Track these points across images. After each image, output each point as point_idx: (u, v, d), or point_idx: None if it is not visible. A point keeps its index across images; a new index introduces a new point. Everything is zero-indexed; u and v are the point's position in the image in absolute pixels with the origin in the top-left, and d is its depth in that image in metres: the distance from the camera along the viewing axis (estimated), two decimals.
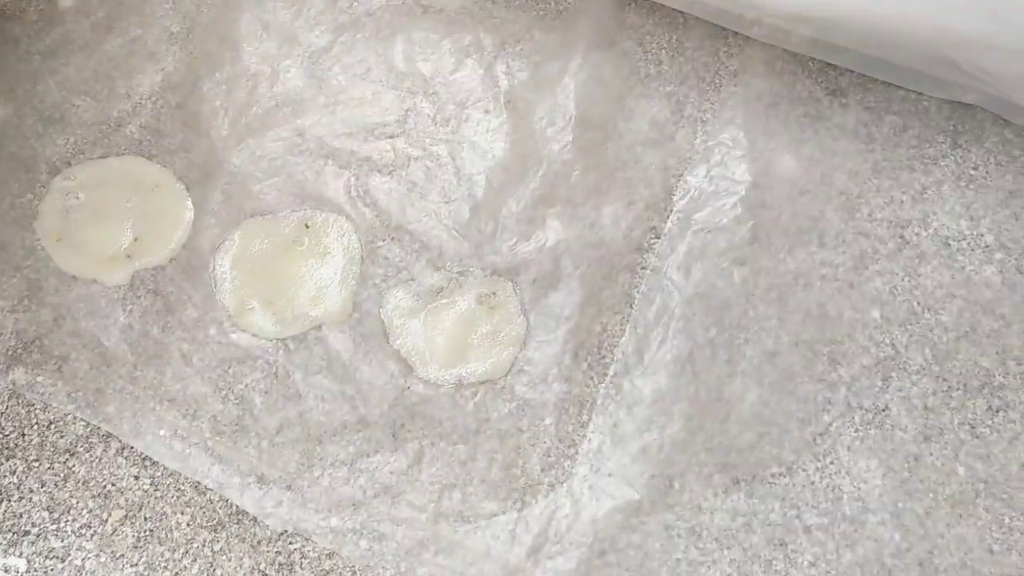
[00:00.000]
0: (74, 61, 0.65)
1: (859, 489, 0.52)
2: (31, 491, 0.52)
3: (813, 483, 0.52)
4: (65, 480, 0.52)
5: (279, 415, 0.54)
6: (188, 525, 0.51)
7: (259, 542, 0.51)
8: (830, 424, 0.54)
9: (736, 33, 0.67)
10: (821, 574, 0.50)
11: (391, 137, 0.63)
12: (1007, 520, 0.51)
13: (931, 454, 0.53)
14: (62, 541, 0.51)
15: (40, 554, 0.50)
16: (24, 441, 0.53)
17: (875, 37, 0.63)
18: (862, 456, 0.53)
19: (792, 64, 0.66)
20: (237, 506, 0.52)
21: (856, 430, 0.53)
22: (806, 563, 0.50)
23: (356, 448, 0.53)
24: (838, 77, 0.65)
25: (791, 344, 0.56)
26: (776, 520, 0.51)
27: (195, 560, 0.50)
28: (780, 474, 0.52)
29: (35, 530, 0.51)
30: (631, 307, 0.57)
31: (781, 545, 0.51)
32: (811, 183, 0.61)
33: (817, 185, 0.61)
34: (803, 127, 0.63)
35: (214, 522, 0.51)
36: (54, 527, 0.51)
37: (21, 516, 0.51)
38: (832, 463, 0.53)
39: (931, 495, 0.51)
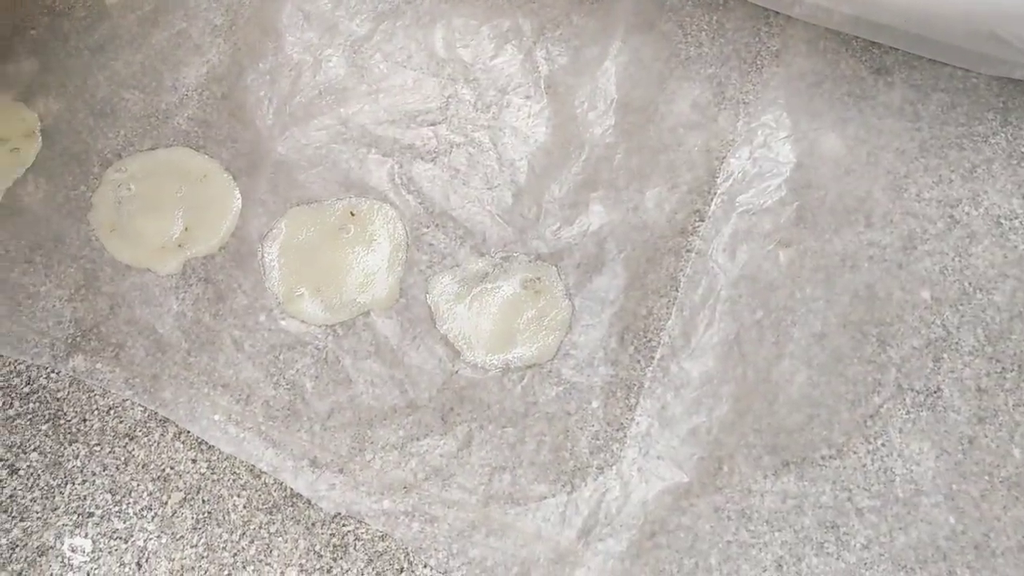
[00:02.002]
0: (122, 55, 0.67)
1: (912, 471, 0.51)
2: (94, 474, 0.53)
3: (864, 465, 0.52)
4: (126, 464, 0.54)
5: (330, 400, 0.55)
6: (244, 507, 0.52)
7: (313, 524, 0.52)
8: (881, 406, 0.53)
9: (777, 13, 0.66)
10: (874, 556, 0.50)
11: (433, 124, 0.64)
12: None
13: (986, 436, 0.52)
14: (124, 522, 0.52)
15: (104, 535, 0.52)
16: (86, 426, 0.55)
17: (920, 14, 0.62)
18: (914, 438, 0.52)
19: (835, 43, 0.65)
20: (291, 489, 0.53)
21: (907, 412, 0.53)
22: (858, 545, 0.50)
23: (406, 432, 0.54)
24: (883, 55, 0.64)
25: (839, 325, 0.56)
26: (827, 502, 0.51)
27: (252, 541, 0.51)
28: (830, 456, 0.52)
29: (99, 512, 0.52)
30: (677, 290, 0.57)
31: (833, 527, 0.50)
32: (857, 163, 0.60)
33: (863, 165, 0.60)
34: (847, 106, 0.62)
35: (269, 504, 0.52)
36: (116, 509, 0.52)
37: (85, 498, 0.53)
38: (883, 445, 0.52)
39: (986, 477, 0.51)
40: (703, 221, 0.59)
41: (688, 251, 0.58)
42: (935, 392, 0.53)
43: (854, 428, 0.53)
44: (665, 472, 0.52)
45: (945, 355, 0.54)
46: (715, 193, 0.60)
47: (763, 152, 0.61)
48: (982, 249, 0.57)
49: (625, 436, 0.53)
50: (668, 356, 0.55)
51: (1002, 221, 0.58)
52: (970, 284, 0.56)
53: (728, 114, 0.63)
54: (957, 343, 0.54)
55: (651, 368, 0.55)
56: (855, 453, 0.52)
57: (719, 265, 0.58)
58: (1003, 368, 0.53)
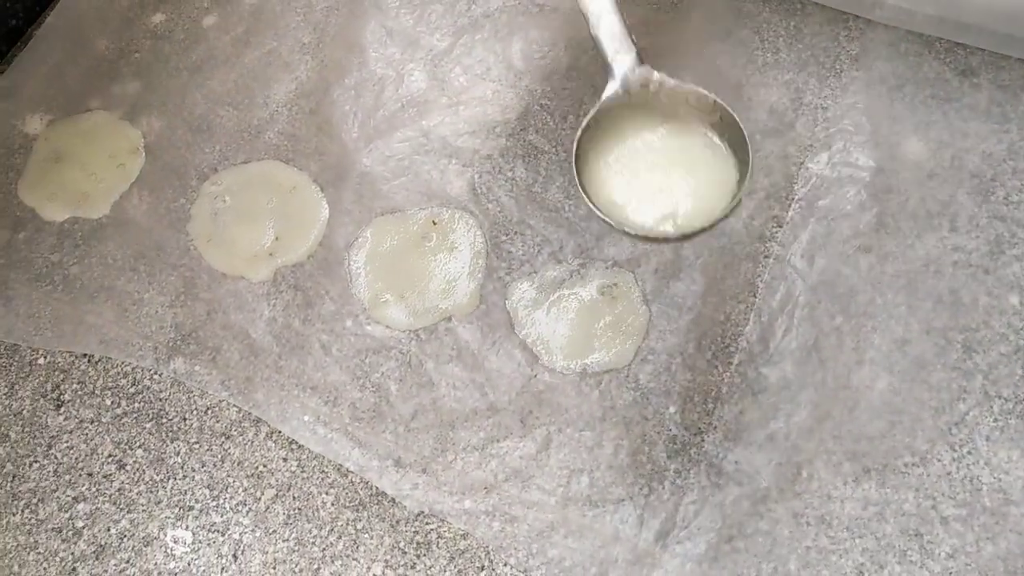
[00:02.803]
0: (217, 75, 0.70)
1: (1000, 480, 0.50)
2: (193, 470, 0.56)
3: (949, 473, 0.51)
4: (222, 461, 0.57)
5: (413, 402, 0.57)
6: (332, 505, 0.55)
7: (398, 522, 0.54)
8: (966, 413, 0.52)
9: (856, 17, 0.66)
10: (960, 567, 0.49)
11: (512, 135, 0.65)
12: None
13: None
14: (221, 516, 0.55)
15: (203, 527, 0.55)
16: (185, 425, 0.58)
17: (1007, 12, 0.61)
18: (1002, 446, 0.51)
19: (917, 45, 0.64)
20: (377, 488, 0.55)
21: (995, 419, 0.52)
22: (943, 555, 0.49)
23: (487, 434, 0.55)
24: (968, 56, 0.63)
25: (922, 332, 0.55)
26: (910, 510, 0.50)
27: (340, 537, 0.54)
28: (913, 464, 0.51)
29: (198, 506, 0.55)
30: (755, 296, 0.57)
31: (916, 536, 0.50)
32: (940, 166, 0.60)
33: (947, 168, 0.59)
34: (930, 109, 0.61)
35: (356, 502, 0.55)
36: (214, 503, 0.55)
37: (185, 493, 0.56)
38: (969, 453, 0.51)
39: None
40: (781, 227, 0.59)
41: (766, 257, 0.58)
42: None
43: (938, 435, 0.52)
44: (743, 477, 0.52)
45: None
46: (793, 199, 0.60)
47: (842, 157, 0.61)
48: None
49: (703, 441, 0.54)
50: (746, 362, 0.55)
51: None
52: None
53: (806, 120, 0.63)
54: None
55: (728, 373, 0.55)
56: (939, 461, 0.51)
57: (797, 271, 0.57)
58: None
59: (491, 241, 0.62)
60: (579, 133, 0.47)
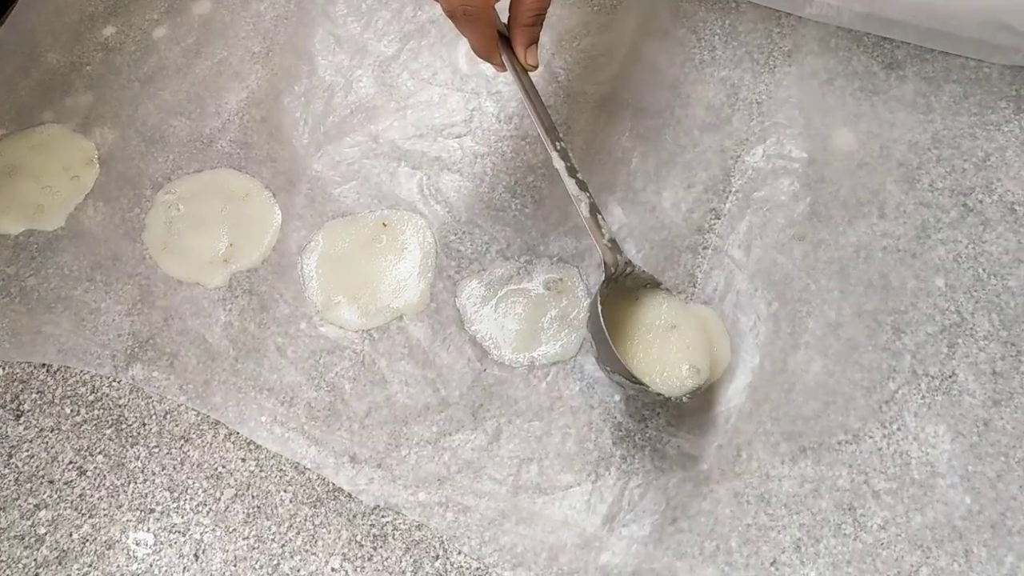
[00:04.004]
0: (169, 85, 0.72)
1: (927, 454, 0.53)
2: (153, 474, 0.58)
3: (880, 449, 0.53)
4: (182, 463, 0.58)
5: (367, 400, 0.58)
6: (291, 502, 0.56)
7: (354, 516, 0.55)
8: (896, 391, 0.55)
9: (788, 14, 0.68)
10: (891, 537, 0.51)
11: (458, 137, 0.67)
12: None
13: (1001, 418, 0.53)
14: (182, 517, 0.56)
15: (164, 529, 0.56)
16: (145, 430, 0.59)
17: (930, 7, 0.63)
18: (929, 422, 0.54)
19: (846, 40, 0.67)
20: (333, 484, 0.56)
21: (923, 397, 0.54)
22: (875, 526, 0.51)
23: (439, 428, 0.57)
24: (894, 50, 0.66)
25: (854, 315, 0.57)
26: (844, 486, 0.53)
27: (299, 533, 0.55)
28: (847, 441, 0.54)
29: (159, 508, 0.56)
30: (694, 286, 0.59)
31: (850, 509, 0.52)
32: (869, 156, 0.62)
33: (876, 158, 0.62)
34: (859, 101, 0.64)
35: (313, 499, 0.56)
36: (175, 505, 0.57)
37: (146, 496, 0.57)
38: (899, 429, 0.54)
39: (1002, 458, 0.52)
40: (719, 219, 0.61)
41: (705, 248, 0.61)
42: (950, 376, 0.54)
43: (870, 414, 0.54)
44: (685, 460, 0.54)
45: (960, 340, 0.55)
46: (730, 191, 0.62)
47: (776, 149, 0.63)
48: (996, 236, 0.58)
49: (647, 427, 0.56)
50: None
51: (1016, 208, 0.59)
52: (984, 270, 0.57)
53: (742, 115, 0.65)
54: (972, 328, 0.56)
55: None
56: (871, 438, 0.54)
57: (735, 260, 0.60)
58: (1018, 351, 0.54)
59: (440, 241, 0.63)
60: (599, 309, 0.53)
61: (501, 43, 0.56)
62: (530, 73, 0.56)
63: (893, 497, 0.52)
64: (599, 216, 0.55)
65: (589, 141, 0.65)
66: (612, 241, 0.55)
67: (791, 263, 0.59)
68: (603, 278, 0.55)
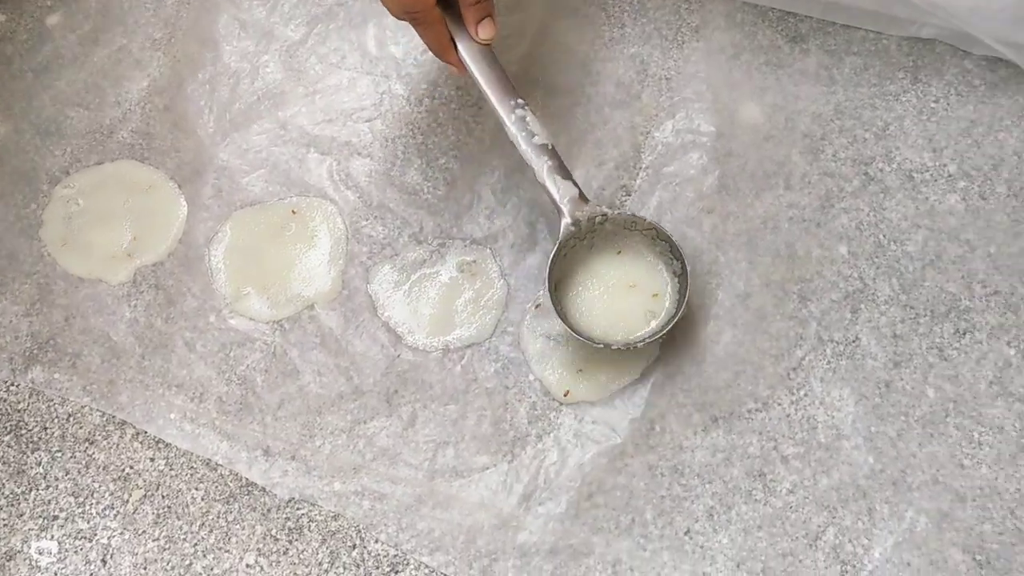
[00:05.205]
0: (65, 75, 0.69)
1: (833, 417, 0.54)
2: (56, 479, 0.56)
3: (788, 415, 0.54)
4: (87, 467, 0.56)
5: (279, 391, 0.57)
6: (203, 499, 0.55)
7: (269, 510, 0.54)
8: (803, 358, 0.56)
9: None
10: (799, 500, 0.52)
11: (368, 120, 0.66)
12: (976, 436, 0.52)
13: (901, 379, 0.54)
14: (88, 522, 0.54)
15: (69, 536, 0.54)
16: (47, 434, 0.57)
17: None
18: (835, 386, 0.55)
19: (752, 15, 0.67)
20: (246, 478, 0.55)
21: (828, 362, 0.55)
22: (784, 491, 0.52)
23: (353, 416, 0.56)
24: (798, 24, 0.67)
25: (762, 285, 0.58)
26: (754, 453, 0.53)
27: (211, 531, 0.54)
28: (756, 409, 0.55)
29: (63, 514, 0.55)
30: None
31: (760, 476, 0.53)
32: (775, 129, 0.63)
33: (781, 130, 0.63)
34: (765, 75, 0.65)
35: (226, 495, 0.55)
36: (80, 510, 0.55)
37: (49, 503, 0.55)
38: (806, 395, 0.55)
39: (903, 418, 0.53)
40: (630, 195, 0.62)
41: None
42: (853, 341, 0.56)
43: (778, 381, 0.55)
44: (600, 436, 0.55)
45: (863, 306, 0.57)
46: (640, 167, 0.63)
47: (685, 124, 0.64)
48: (895, 203, 0.59)
49: (561, 404, 0.56)
50: None
51: (914, 175, 0.60)
52: (884, 237, 0.58)
53: (652, 91, 0.65)
54: (874, 293, 0.57)
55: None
56: (779, 404, 0.55)
57: None
58: (916, 314, 0.56)
59: (352, 227, 0.62)
60: (548, 272, 0.55)
61: (456, 33, 0.56)
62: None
63: (801, 461, 0.53)
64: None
65: (499, 122, 0.65)
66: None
67: (700, 236, 0.60)
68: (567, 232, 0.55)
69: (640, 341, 0.54)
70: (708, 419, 0.54)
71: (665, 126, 0.64)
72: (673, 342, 0.57)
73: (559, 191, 0.55)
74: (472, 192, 0.63)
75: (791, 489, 0.52)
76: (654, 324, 0.55)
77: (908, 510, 0.51)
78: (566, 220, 0.55)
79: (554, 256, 0.55)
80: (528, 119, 0.56)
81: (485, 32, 0.56)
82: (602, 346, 0.54)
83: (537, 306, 0.58)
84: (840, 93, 0.64)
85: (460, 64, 0.57)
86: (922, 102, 0.63)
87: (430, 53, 0.60)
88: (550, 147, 0.56)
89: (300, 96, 0.67)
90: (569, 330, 0.54)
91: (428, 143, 0.65)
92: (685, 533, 0.52)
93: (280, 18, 0.71)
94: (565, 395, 0.55)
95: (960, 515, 0.51)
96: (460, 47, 0.56)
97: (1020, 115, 0.61)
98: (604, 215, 0.56)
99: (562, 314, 0.54)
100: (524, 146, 0.55)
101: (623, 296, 0.56)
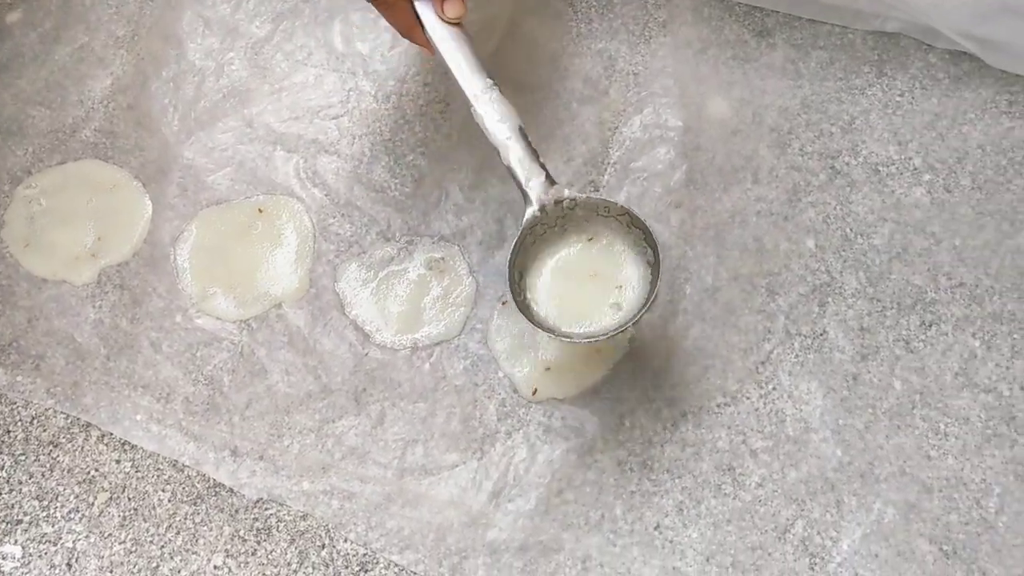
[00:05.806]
0: (26, 73, 0.68)
1: (801, 411, 0.54)
2: (20, 483, 0.55)
3: (757, 409, 0.54)
4: (51, 470, 0.55)
5: (247, 391, 0.57)
6: (169, 501, 0.54)
7: (237, 511, 0.54)
8: (771, 352, 0.56)
9: None
10: (768, 493, 0.52)
11: (335, 118, 0.65)
12: (942, 427, 0.53)
13: (868, 372, 0.55)
14: (53, 526, 0.54)
15: (33, 540, 0.53)
16: (10, 438, 0.56)
17: None
18: (803, 379, 0.55)
19: (719, 10, 0.67)
20: (214, 479, 0.54)
21: (796, 355, 0.56)
22: (753, 484, 0.53)
23: (321, 415, 0.56)
24: (764, 18, 0.67)
25: (730, 279, 0.58)
26: (723, 447, 0.54)
27: (178, 533, 0.53)
28: (725, 403, 0.55)
29: (27, 518, 0.54)
30: None
31: (729, 470, 0.53)
32: (742, 123, 0.63)
33: (748, 125, 0.63)
34: (732, 70, 0.65)
35: (193, 496, 0.54)
36: (44, 514, 0.54)
37: (13, 507, 0.54)
38: (774, 389, 0.55)
39: (870, 410, 0.54)
40: (598, 190, 0.62)
41: None
42: (821, 335, 0.56)
43: (747, 375, 0.55)
44: (569, 432, 0.54)
45: (830, 299, 0.57)
46: (609, 163, 0.62)
47: (653, 119, 0.64)
48: (862, 196, 0.60)
49: (531, 401, 0.55)
50: None
51: (880, 168, 0.60)
52: (851, 230, 0.59)
53: (619, 86, 0.65)
54: (841, 287, 0.57)
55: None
56: (748, 398, 0.55)
57: None
58: (883, 307, 0.56)
59: (319, 225, 0.62)
60: (510, 258, 0.52)
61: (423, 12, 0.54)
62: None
63: (769, 455, 0.53)
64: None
65: (467, 118, 0.64)
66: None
67: (668, 231, 0.60)
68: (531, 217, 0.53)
69: (604, 334, 0.51)
70: (677, 414, 0.55)
71: (633, 121, 0.64)
72: (641, 337, 0.57)
73: (525, 173, 0.52)
74: (440, 189, 0.62)
75: (760, 483, 0.52)
76: (619, 316, 0.52)
77: (876, 502, 0.51)
78: (532, 207, 0.53)
79: (517, 245, 0.53)
80: (496, 99, 0.53)
81: (452, 10, 0.54)
82: (565, 339, 0.52)
83: (504, 303, 0.58)
84: (807, 87, 0.64)
85: (428, 44, 0.55)
86: (887, 96, 0.63)
87: (397, 50, 0.60)
88: (519, 128, 0.53)
89: (266, 94, 0.67)
90: (529, 322, 0.51)
91: (395, 140, 0.64)
92: (655, 528, 0.52)
93: (245, 15, 0.70)
94: (533, 393, 0.55)
95: (927, 506, 0.51)
96: (427, 27, 0.54)
97: (983, 108, 0.61)
98: (573, 200, 0.53)
99: (523, 306, 0.52)
100: (490, 128, 0.53)
101: (588, 287, 0.54)
